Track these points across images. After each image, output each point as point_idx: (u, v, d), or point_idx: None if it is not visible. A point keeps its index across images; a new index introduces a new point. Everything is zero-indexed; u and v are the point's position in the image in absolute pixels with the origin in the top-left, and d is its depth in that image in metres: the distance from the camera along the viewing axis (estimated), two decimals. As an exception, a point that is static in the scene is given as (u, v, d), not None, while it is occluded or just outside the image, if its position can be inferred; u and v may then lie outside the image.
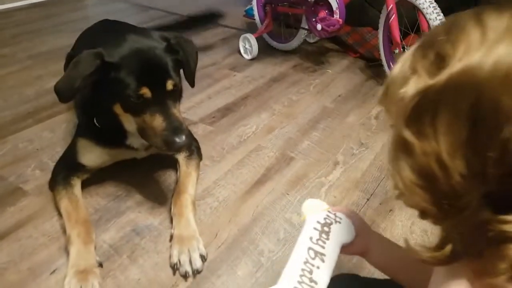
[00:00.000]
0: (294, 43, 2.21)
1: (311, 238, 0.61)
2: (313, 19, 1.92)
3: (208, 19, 2.40)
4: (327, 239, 0.62)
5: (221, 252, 1.05)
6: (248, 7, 2.67)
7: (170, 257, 1.01)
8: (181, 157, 1.27)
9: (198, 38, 2.46)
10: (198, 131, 1.57)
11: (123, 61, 0.97)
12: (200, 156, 1.33)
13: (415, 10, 1.63)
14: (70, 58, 1.04)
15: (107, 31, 1.36)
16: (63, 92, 0.99)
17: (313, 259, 0.58)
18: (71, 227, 1.02)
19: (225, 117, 1.67)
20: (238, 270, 1.00)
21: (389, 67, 1.86)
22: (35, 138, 1.48)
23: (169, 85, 1.01)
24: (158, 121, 0.99)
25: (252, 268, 1.01)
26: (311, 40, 2.39)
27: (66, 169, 1.17)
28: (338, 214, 0.66)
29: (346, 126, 1.63)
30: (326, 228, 0.63)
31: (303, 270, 0.56)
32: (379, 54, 1.93)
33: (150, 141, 1.05)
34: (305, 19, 2.05)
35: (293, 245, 1.04)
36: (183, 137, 0.98)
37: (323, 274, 0.57)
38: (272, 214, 1.18)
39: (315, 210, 0.67)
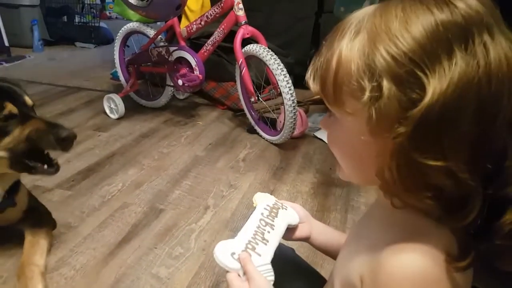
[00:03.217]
0: (162, 100, 2.26)
1: (262, 214, 0.71)
2: (175, 76, 2.01)
3: None
4: (276, 216, 0.72)
5: (74, 328, 0.91)
6: (113, 70, 2.67)
7: None
8: (26, 226, 1.11)
9: (58, 104, 2.33)
10: (53, 198, 1.41)
11: None
12: (50, 223, 1.18)
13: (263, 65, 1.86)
14: None
15: None
16: None
17: (264, 226, 0.69)
18: None
19: (86, 179, 1.55)
20: None
21: (250, 114, 2.04)
22: None
23: (29, 100, 1.02)
24: (34, 126, 0.96)
25: (112, 337, 0.89)
26: (181, 97, 2.48)
27: None
28: (284, 203, 0.77)
29: (216, 171, 1.67)
30: (274, 210, 0.74)
31: (255, 231, 0.66)
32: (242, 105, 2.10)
33: (28, 155, 0.97)
34: (168, 76, 2.13)
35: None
36: (66, 129, 0.97)
37: (273, 238, 0.67)
38: (137, 272, 1.09)
39: (265, 198, 0.77)
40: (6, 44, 3.55)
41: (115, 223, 1.30)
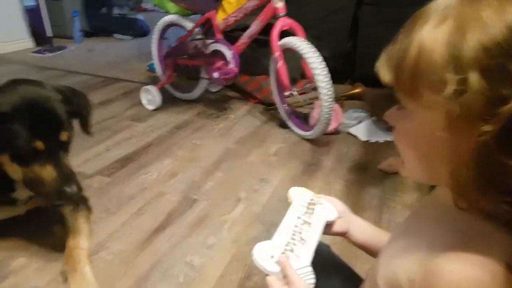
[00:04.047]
0: (197, 92, 2.29)
1: (298, 211, 0.70)
2: (211, 69, 2.03)
3: None
4: (313, 213, 0.71)
5: (114, 309, 0.96)
6: (150, 62, 2.73)
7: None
8: (66, 211, 1.17)
9: (98, 94, 2.41)
10: (93, 184, 1.48)
11: (15, 112, 0.92)
12: (88, 208, 1.24)
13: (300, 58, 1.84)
14: None
15: None
16: None
17: (302, 224, 0.68)
18: None
19: (125, 168, 1.61)
20: (132, 326, 0.91)
21: (283, 109, 2.02)
22: None
23: (63, 136, 0.99)
24: (48, 172, 0.95)
25: (148, 320, 0.93)
26: (214, 90, 2.51)
27: None
28: (321, 198, 0.75)
29: (247, 164, 1.68)
30: (311, 207, 0.72)
31: (293, 231, 0.66)
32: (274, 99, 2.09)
33: (36, 191, 1.00)
34: (204, 69, 2.16)
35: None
36: (74, 187, 0.97)
37: (311, 237, 0.66)
38: (171, 260, 1.13)
39: (301, 193, 0.75)
40: (49, 34, 3.72)
41: (151, 211, 1.34)
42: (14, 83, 1.01)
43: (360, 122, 2.08)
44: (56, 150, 0.98)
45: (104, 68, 2.96)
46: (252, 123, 2.10)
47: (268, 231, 1.24)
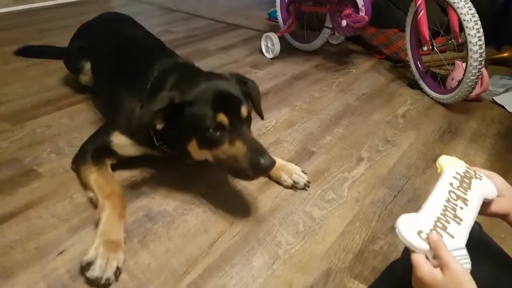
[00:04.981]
0: (317, 43, 2.17)
1: (451, 184, 0.61)
2: (338, 17, 1.87)
3: None
4: (468, 188, 0.61)
5: (236, 242, 0.99)
6: (271, 10, 2.66)
7: (282, 182, 1.18)
8: None
9: (220, 39, 2.46)
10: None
11: (198, 98, 0.97)
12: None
13: (443, 10, 1.57)
14: None
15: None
16: (137, 130, 1.03)
17: (456, 200, 0.59)
18: (105, 197, 1.01)
19: (245, 111, 1.63)
20: (254, 261, 0.94)
21: (416, 67, 1.79)
22: (53, 124, 1.46)
23: (244, 111, 0.98)
24: (238, 147, 0.95)
25: (269, 259, 0.94)
26: (334, 42, 2.35)
27: (98, 150, 1.15)
28: (478, 171, 0.66)
29: (371, 123, 1.55)
30: (466, 180, 0.63)
31: (445, 206, 0.57)
32: (406, 55, 1.86)
33: (231, 171, 1.00)
34: (329, 18, 2.01)
35: (313, 238, 0.99)
36: (268, 158, 0.94)
37: (467, 216, 0.57)
38: (291, 206, 1.12)
39: (453, 164, 0.66)
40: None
41: (270, 156, 1.34)
42: (183, 72, 1.08)
43: (507, 90, 1.75)
44: (241, 127, 0.97)
45: (226, 14, 3.00)
46: (376, 80, 1.92)
47: (395, 197, 1.14)
